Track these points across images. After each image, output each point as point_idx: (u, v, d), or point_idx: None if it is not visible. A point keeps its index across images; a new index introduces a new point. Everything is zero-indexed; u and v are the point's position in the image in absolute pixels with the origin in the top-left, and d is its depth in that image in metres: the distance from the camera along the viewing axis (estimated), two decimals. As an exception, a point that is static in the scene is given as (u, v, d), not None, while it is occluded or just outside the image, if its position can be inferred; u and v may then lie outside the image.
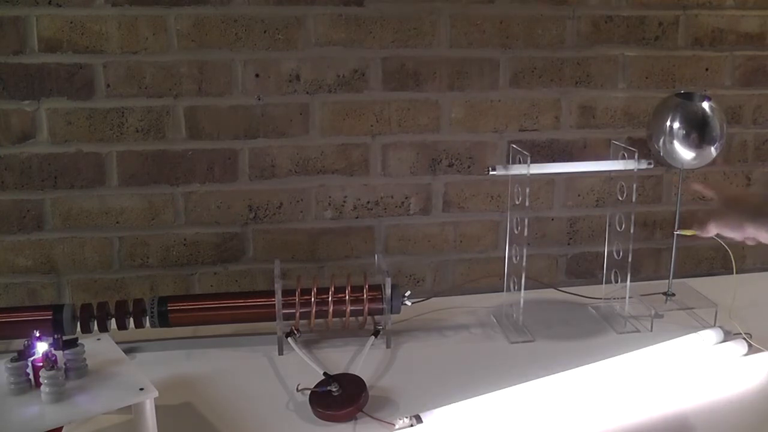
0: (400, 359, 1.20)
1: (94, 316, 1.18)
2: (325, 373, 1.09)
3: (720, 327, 1.26)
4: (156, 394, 0.90)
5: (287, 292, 1.20)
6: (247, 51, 1.34)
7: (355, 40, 1.37)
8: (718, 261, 1.61)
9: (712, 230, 1.14)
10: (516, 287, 1.28)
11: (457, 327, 1.32)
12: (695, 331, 1.24)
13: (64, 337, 0.94)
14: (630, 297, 1.32)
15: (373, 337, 1.23)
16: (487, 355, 1.22)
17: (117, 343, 1.03)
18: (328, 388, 1.04)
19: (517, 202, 1.25)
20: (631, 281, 1.31)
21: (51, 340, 0.92)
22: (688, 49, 1.48)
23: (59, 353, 0.91)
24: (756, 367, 1.17)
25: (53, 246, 1.38)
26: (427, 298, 1.39)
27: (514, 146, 1.28)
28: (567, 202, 1.53)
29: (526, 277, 1.26)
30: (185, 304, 1.22)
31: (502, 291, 1.32)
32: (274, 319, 1.20)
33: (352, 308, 1.22)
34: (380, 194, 1.46)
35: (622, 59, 1.47)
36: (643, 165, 1.26)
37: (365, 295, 1.22)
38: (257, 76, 1.36)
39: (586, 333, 1.30)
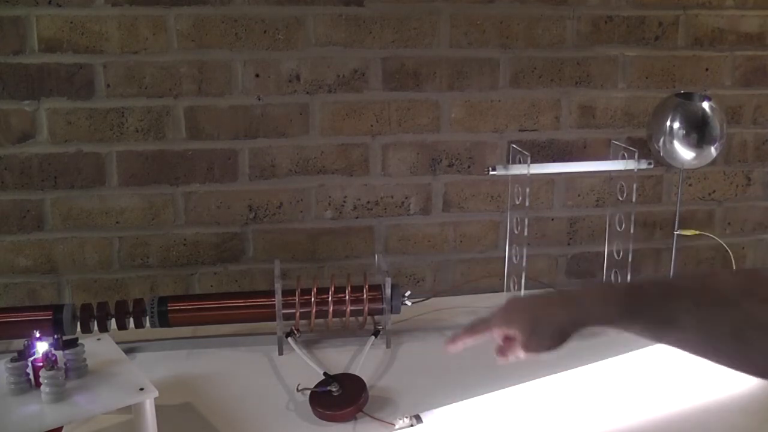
0: (400, 359, 1.20)
1: (94, 316, 1.18)
2: (325, 373, 1.09)
3: (720, 327, 1.26)
4: (156, 394, 0.90)
5: (287, 292, 1.20)
6: (247, 51, 1.34)
7: (355, 40, 1.37)
8: (718, 261, 1.61)
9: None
10: (516, 287, 1.28)
11: (457, 327, 1.30)
12: (695, 331, 1.24)
13: (64, 337, 0.94)
14: (630, 297, 1.32)
15: (373, 337, 1.23)
16: (487, 355, 1.21)
17: (117, 343, 1.03)
18: (328, 388, 1.04)
19: (517, 202, 1.25)
20: (631, 281, 1.31)
21: (51, 340, 0.92)
22: (688, 49, 1.48)
23: (59, 353, 0.91)
24: (756, 367, 1.17)
25: (53, 246, 1.38)
26: (427, 298, 1.39)
27: (514, 146, 1.28)
28: (567, 202, 1.52)
29: (526, 277, 1.26)
30: (185, 304, 1.22)
31: (502, 291, 1.32)
32: (274, 319, 1.20)
33: (352, 308, 1.22)
34: (380, 194, 1.46)
35: (622, 59, 1.47)
36: (643, 165, 1.26)
37: (365, 295, 1.22)
38: (257, 76, 1.36)
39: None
